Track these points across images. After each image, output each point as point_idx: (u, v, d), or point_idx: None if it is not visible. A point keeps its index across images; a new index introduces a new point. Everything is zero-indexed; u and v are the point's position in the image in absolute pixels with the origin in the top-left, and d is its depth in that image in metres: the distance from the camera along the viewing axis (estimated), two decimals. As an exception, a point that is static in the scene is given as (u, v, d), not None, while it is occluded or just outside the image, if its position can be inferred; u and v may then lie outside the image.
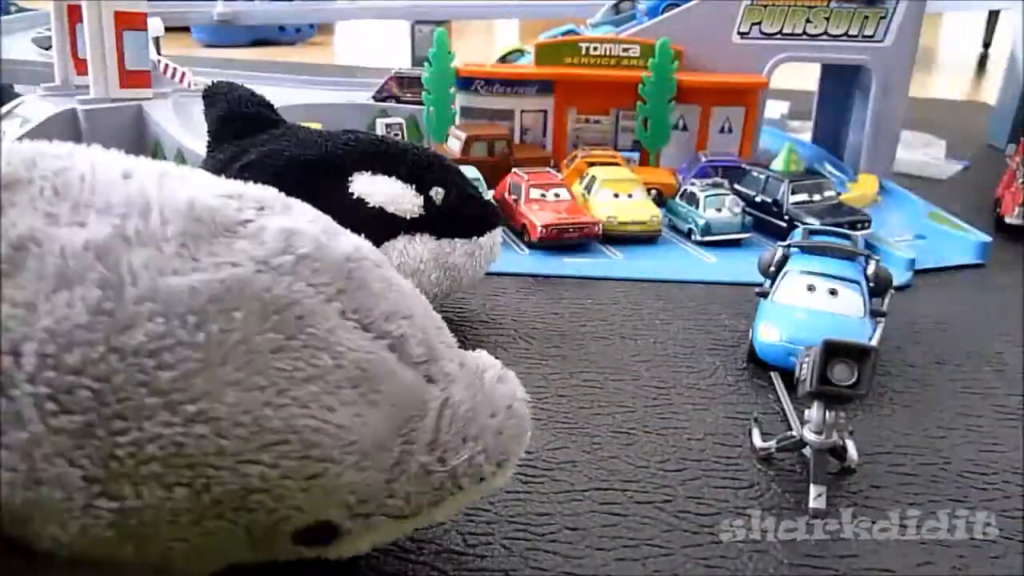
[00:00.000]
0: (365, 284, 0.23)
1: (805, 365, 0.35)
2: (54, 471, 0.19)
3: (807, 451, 0.36)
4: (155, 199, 0.22)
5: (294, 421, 0.21)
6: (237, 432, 0.20)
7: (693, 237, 0.69)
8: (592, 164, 0.76)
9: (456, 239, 0.47)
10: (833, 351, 0.32)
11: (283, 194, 0.24)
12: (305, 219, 0.23)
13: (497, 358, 0.28)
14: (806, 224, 0.58)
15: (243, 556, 0.23)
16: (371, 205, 0.45)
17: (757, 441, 0.38)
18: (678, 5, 0.85)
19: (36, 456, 0.19)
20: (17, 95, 0.92)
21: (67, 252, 0.20)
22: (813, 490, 0.34)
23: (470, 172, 0.71)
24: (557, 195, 0.69)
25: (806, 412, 0.36)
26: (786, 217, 0.68)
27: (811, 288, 0.47)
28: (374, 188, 0.45)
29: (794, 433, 0.37)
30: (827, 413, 0.35)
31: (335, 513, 0.22)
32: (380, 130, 0.86)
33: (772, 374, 0.45)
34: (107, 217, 0.21)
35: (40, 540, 0.20)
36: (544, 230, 0.65)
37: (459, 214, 0.48)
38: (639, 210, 0.70)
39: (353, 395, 0.22)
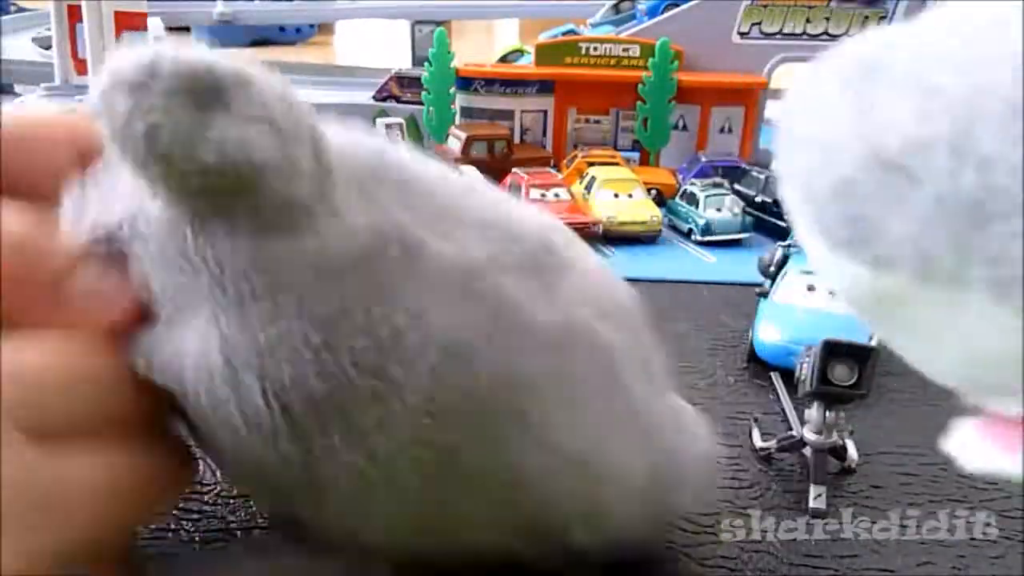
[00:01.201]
0: (645, 336, 0.25)
1: (805, 365, 0.35)
2: (397, 474, 0.20)
3: (807, 451, 0.36)
4: (513, 224, 0.22)
5: (599, 456, 0.23)
6: (560, 456, 0.22)
7: (693, 237, 0.69)
8: (592, 164, 0.76)
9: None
10: (833, 351, 0.32)
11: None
12: (598, 259, 0.26)
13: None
14: (806, 224, 0.58)
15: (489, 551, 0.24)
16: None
17: (757, 441, 0.38)
18: (678, 5, 0.85)
19: (390, 460, 0.20)
20: (17, 95, 0.92)
21: (451, 269, 0.20)
22: (813, 490, 0.34)
23: (470, 172, 0.71)
24: (557, 195, 0.69)
25: (806, 412, 0.36)
26: (786, 217, 0.68)
27: (811, 288, 0.47)
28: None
29: (794, 433, 0.37)
30: (827, 413, 0.35)
31: (582, 535, 0.24)
32: (380, 130, 0.86)
33: (772, 374, 0.45)
34: (478, 237, 0.21)
35: (346, 537, 0.22)
36: (544, 230, 0.64)
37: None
38: (639, 210, 0.70)
39: (635, 435, 0.24)
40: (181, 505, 0.33)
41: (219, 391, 0.19)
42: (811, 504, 0.34)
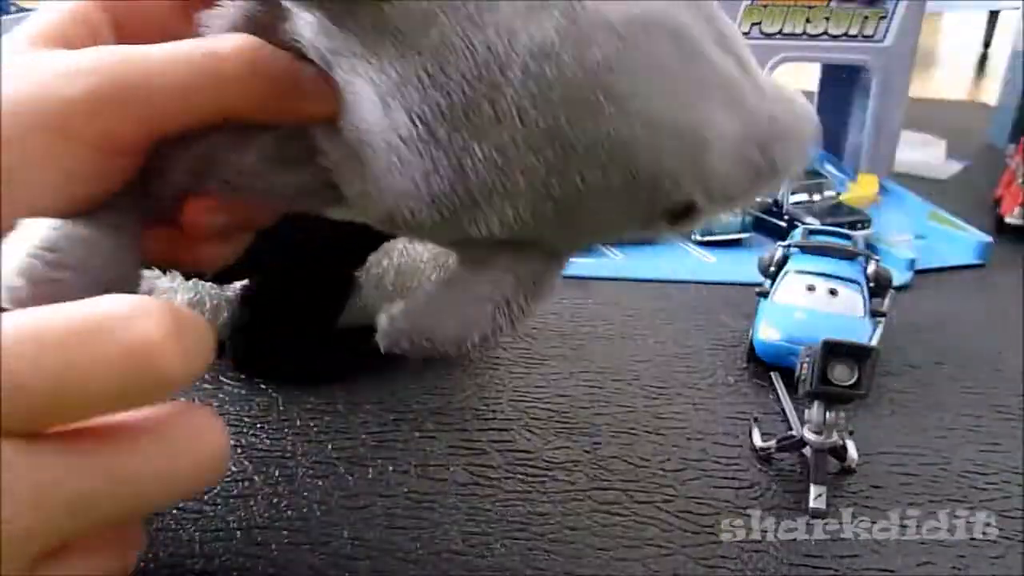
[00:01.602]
0: (721, 17, 0.28)
1: (806, 365, 0.35)
2: (521, 162, 0.25)
3: (807, 451, 0.36)
4: None
5: (695, 122, 0.26)
6: (661, 129, 0.25)
7: (693, 237, 0.69)
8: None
9: (457, 238, 0.48)
10: (833, 351, 0.32)
11: None
12: None
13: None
14: (806, 224, 0.58)
15: (625, 231, 0.30)
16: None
17: (757, 440, 0.38)
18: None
19: (510, 152, 0.25)
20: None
21: None
22: (813, 490, 0.34)
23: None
24: (557, 195, 0.69)
25: (806, 412, 0.36)
26: (786, 217, 0.68)
27: (811, 288, 0.47)
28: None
29: (794, 433, 0.37)
30: (827, 413, 0.35)
31: (699, 195, 0.28)
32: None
33: (772, 374, 0.45)
34: None
35: (495, 227, 0.27)
36: (544, 230, 0.65)
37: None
38: (639, 210, 0.69)
39: (725, 105, 0.27)
40: (181, 505, 0.33)
41: (380, 122, 0.25)
42: (811, 504, 0.34)
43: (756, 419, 0.40)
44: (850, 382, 0.32)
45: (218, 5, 0.28)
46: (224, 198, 0.29)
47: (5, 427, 0.18)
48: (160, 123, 0.25)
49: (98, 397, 0.19)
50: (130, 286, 0.27)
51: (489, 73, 0.24)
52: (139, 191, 0.27)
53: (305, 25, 0.25)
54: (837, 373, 0.32)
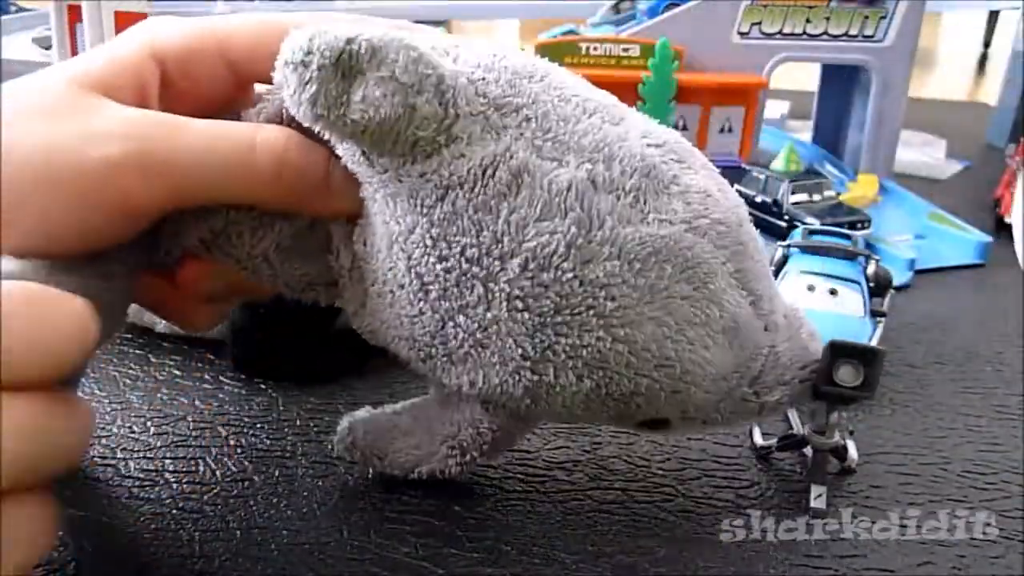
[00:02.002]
0: (747, 250, 0.28)
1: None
2: (499, 344, 0.26)
3: (807, 451, 0.36)
4: (616, 147, 0.26)
5: (682, 353, 0.26)
6: (643, 354, 0.26)
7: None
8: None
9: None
10: (839, 352, 0.32)
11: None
12: (710, 179, 0.28)
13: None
14: (806, 224, 0.58)
15: (597, 423, 0.33)
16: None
17: (757, 439, 0.38)
18: (678, 5, 0.85)
19: (491, 330, 0.25)
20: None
21: (552, 188, 0.25)
22: (814, 490, 0.34)
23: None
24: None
25: (808, 412, 0.36)
26: (786, 217, 0.68)
27: (811, 288, 0.47)
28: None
29: (795, 432, 0.37)
30: (830, 414, 0.35)
31: (673, 415, 0.28)
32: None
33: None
34: (581, 160, 0.25)
35: (465, 385, 0.27)
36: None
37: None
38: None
39: (723, 340, 0.27)
40: (181, 505, 0.33)
41: (385, 256, 0.26)
42: (812, 504, 0.34)
43: (756, 419, 0.40)
44: (856, 383, 0.32)
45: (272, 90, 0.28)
46: (227, 268, 0.29)
47: None
48: (180, 199, 0.25)
49: None
50: (110, 332, 0.27)
51: (489, 260, 0.25)
52: (142, 244, 0.26)
53: None
54: (843, 374, 0.32)
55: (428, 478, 0.33)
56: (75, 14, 0.82)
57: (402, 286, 0.26)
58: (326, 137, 0.25)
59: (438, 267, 0.25)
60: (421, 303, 0.26)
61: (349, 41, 0.23)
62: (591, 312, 0.25)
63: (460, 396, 0.30)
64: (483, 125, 0.25)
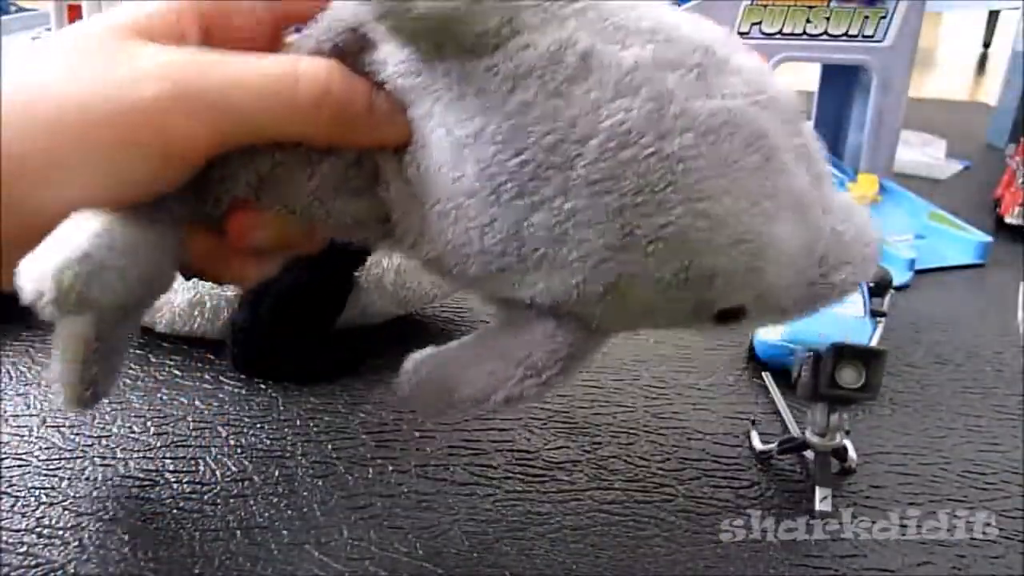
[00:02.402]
0: (804, 129, 0.28)
1: (805, 368, 0.35)
2: (579, 237, 0.25)
3: (808, 453, 0.36)
4: (671, 31, 0.26)
5: (758, 227, 0.26)
6: (723, 230, 0.25)
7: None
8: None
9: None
10: (841, 354, 0.32)
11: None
12: (759, 62, 0.28)
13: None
14: (806, 224, 0.58)
15: (671, 324, 0.30)
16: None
17: (757, 444, 0.38)
18: (678, 5, 0.85)
19: (570, 222, 0.25)
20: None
21: (621, 68, 0.25)
22: (819, 492, 0.34)
23: None
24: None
25: (808, 414, 0.36)
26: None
27: (811, 288, 0.47)
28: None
29: (795, 435, 0.37)
30: (831, 415, 0.35)
31: (749, 301, 0.28)
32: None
33: (764, 375, 0.45)
34: (643, 41, 0.25)
35: (542, 293, 0.27)
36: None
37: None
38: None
39: (792, 216, 0.27)
40: (181, 505, 0.33)
41: (448, 168, 0.26)
42: (817, 507, 0.34)
43: (754, 422, 0.40)
44: (857, 385, 0.32)
45: (308, 26, 0.28)
46: (276, 216, 0.28)
47: None
48: (227, 137, 0.25)
49: None
50: (163, 285, 0.27)
51: (567, 146, 0.25)
52: (192, 193, 0.26)
53: (388, 56, 0.26)
54: (844, 376, 0.32)
55: (507, 404, 0.30)
56: (75, 14, 0.82)
57: (472, 194, 0.26)
58: (389, 38, 0.25)
59: (512, 162, 0.25)
60: (493, 208, 0.26)
61: None
62: (670, 188, 0.25)
63: (532, 313, 0.29)
64: (544, 15, 0.25)
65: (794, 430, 0.37)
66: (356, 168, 0.28)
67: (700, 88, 0.26)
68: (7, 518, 0.32)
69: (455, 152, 0.26)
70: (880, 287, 0.48)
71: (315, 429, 0.39)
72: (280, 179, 0.27)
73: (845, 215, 0.30)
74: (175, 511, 0.33)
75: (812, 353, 0.34)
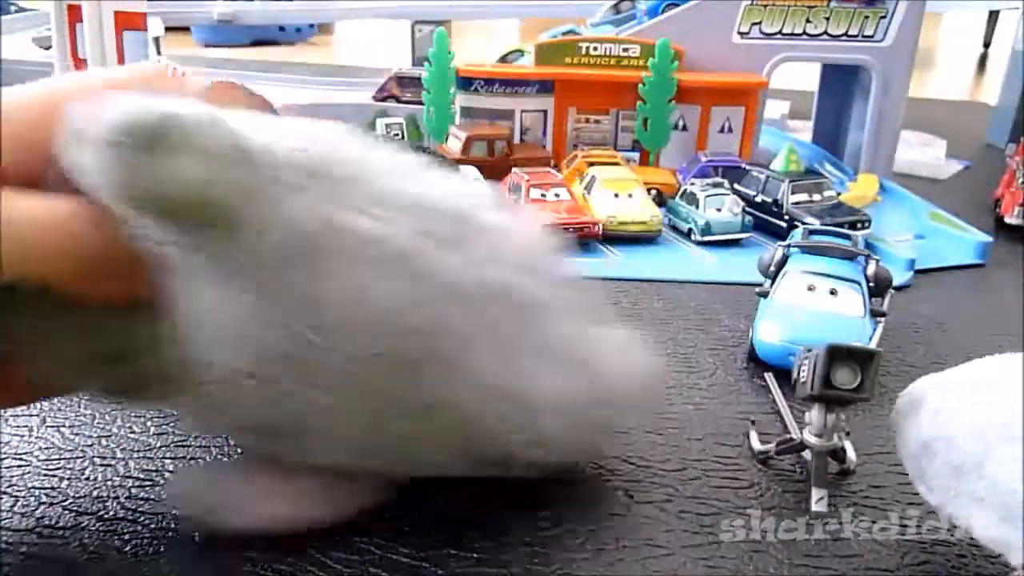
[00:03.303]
0: (566, 283, 0.30)
1: (804, 367, 0.35)
2: (352, 408, 0.26)
3: (807, 453, 0.36)
4: (438, 202, 0.27)
5: (524, 384, 0.28)
6: (489, 392, 0.27)
7: (693, 237, 0.69)
8: (592, 164, 0.76)
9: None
10: (836, 355, 0.32)
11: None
12: (515, 222, 0.30)
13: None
14: (806, 224, 0.58)
15: (452, 471, 0.31)
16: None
17: (756, 444, 0.38)
18: (678, 5, 0.85)
19: (328, 396, 0.25)
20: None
21: (374, 242, 0.25)
22: (815, 493, 0.34)
23: (470, 172, 0.71)
24: (557, 195, 0.69)
25: (806, 415, 0.36)
26: (786, 217, 0.68)
27: (811, 288, 0.47)
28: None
29: (793, 436, 0.37)
30: (828, 416, 0.35)
31: (529, 451, 0.30)
32: (380, 130, 0.86)
33: (767, 375, 0.45)
34: (404, 216, 0.26)
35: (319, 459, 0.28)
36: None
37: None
38: (639, 210, 0.70)
39: (558, 368, 0.29)
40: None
41: (208, 341, 0.25)
42: (813, 508, 0.34)
43: (753, 422, 0.40)
44: (853, 386, 0.32)
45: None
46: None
47: None
48: None
49: None
50: None
51: (326, 326, 0.24)
52: None
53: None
54: (840, 377, 0.32)
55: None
56: (75, 14, 0.82)
57: (252, 374, 0.25)
58: (135, 218, 0.23)
59: (272, 338, 0.24)
60: (272, 385, 0.25)
61: (163, 117, 0.22)
62: (439, 360, 0.26)
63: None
64: (300, 187, 0.24)
65: (794, 431, 0.37)
66: (115, 333, 0.27)
67: (456, 258, 0.26)
68: (7, 518, 0.32)
69: (211, 328, 0.25)
70: (880, 287, 0.48)
71: (315, 429, 0.39)
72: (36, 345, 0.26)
73: (619, 354, 0.32)
74: (175, 511, 0.33)
75: (809, 354, 0.34)
